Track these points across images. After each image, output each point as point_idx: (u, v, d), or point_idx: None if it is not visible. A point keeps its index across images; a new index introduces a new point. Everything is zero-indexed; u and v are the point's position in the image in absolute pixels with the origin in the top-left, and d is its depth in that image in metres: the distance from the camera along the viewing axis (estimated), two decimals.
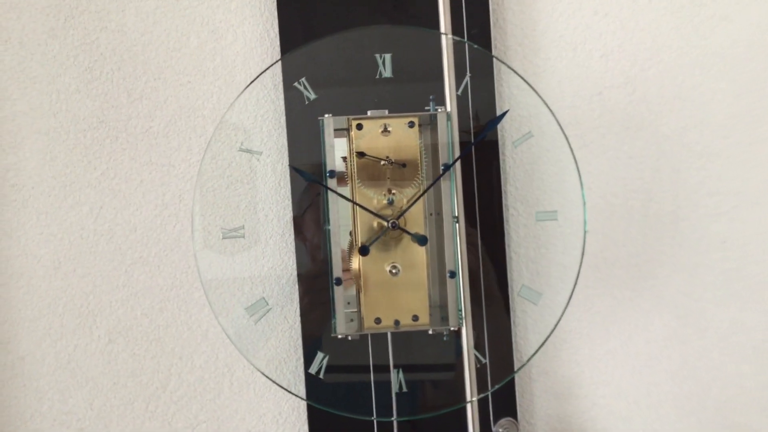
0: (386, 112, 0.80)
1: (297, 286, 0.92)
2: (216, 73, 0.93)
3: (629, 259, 0.97)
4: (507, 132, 0.93)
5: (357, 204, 0.78)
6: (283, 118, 0.91)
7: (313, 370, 0.82)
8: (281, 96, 0.91)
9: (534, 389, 0.98)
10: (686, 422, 1.01)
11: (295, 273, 0.92)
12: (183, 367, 0.94)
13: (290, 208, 0.92)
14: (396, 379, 0.82)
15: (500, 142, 0.93)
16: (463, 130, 0.85)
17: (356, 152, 0.79)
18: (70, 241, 0.91)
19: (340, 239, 0.80)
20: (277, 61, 0.88)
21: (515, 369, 0.90)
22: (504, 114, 0.75)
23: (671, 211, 0.98)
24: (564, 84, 0.97)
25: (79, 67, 0.91)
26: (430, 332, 0.83)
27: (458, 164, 0.82)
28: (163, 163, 0.91)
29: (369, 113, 0.80)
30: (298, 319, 0.92)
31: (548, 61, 0.97)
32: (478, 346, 0.85)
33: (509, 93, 0.94)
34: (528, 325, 0.97)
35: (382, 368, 0.84)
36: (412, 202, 0.79)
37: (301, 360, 0.92)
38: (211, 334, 0.95)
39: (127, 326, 0.92)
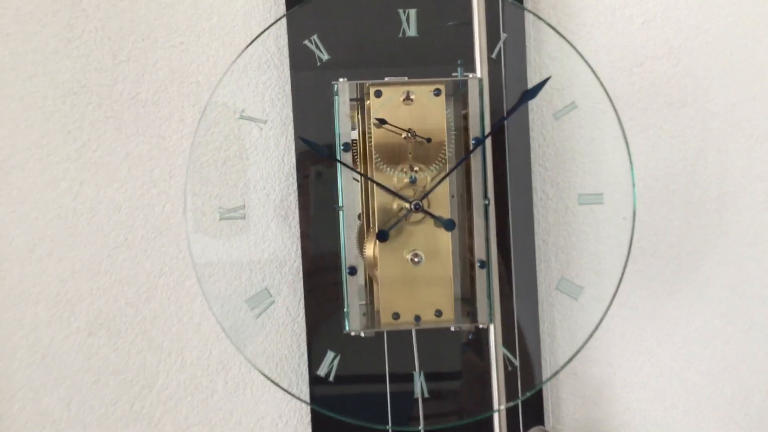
0: (405, 78, 0.69)
1: (301, 275, 0.81)
2: (213, 33, 0.82)
3: (669, 250, 0.88)
4: (544, 102, 0.83)
5: (376, 182, 0.68)
6: (288, 86, 0.80)
7: (321, 371, 0.72)
8: (286, 60, 0.81)
9: (561, 392, 0.89)
10: (727, 429, 0.92)
11: (299, 260, 0.82)
12: (172, 363, 0.84)
13: (295, 185, 0.81)
14: (419, 383, 0.72)
15: (531, 116, 0.82)
16: (496, 100, 0.75)
17: (376, 119, 0.68)
18: (45, 221, 0.81)
19: (354, 222, 0.70)
20: (283, 17, 0.77)
21: (545, 372, 0.80)
22: (545, 81, 0.65)
23: (717, 197, 0.88)
24: (601, 53, 0.87)
25: (58, 24, 0.81)
26: (452, 329, 0.73)
27: (489, 139, 0.71)
28: (152, 134, 0.81)
29: (386, 79, 0.69)
30: (302, 311, 0.82)
31: (584, 27, 0.87)
32: (507, 346, 0.75)
33: (548, 57, 0.83)
34: (557, 321, 0.87)
35: (400, 371, 0.74)
36: (439, 180, 0.68)
37: (305, 357, 0.82)
38: (205, 328, 0.85)
39: (109, 317, 0.82)
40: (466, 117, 0.72)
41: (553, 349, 0.88)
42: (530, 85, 0.78)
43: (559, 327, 0.88)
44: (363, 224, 0.74)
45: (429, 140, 0.70)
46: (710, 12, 0.89)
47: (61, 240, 0.85)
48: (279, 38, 0.84)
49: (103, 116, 0.83)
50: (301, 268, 0.82)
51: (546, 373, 0.82)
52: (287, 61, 0.81)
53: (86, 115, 0.83)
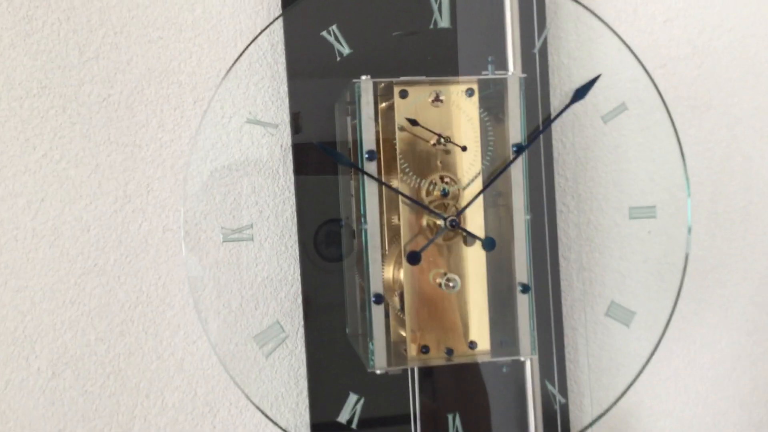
0: (434, 77, 0.61)
1: (300, 301, 0.71)
2: (196, 27, 0.72)
3: (694, 264, 0.82)
4: (588, 103, 0.75)
5: (406, 196, 0.59)
6: (284, 86, 0.70)
7: (343, 417, 0.62)
8: (281, 58, 0.71)
9: (585, 422, 0.80)
10: None
11: (297, 284, 0.72)
12: (150, 407, 0.73)
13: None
14: (452, 427, 0.62)
15: (561, 120, 0.74)
16: (530, 101, 0.67)
17: (406, 119, 0.59)
18: (0, 244, 0.68)
19: (379, 242, 0.60)
20: (295, 3, 0.66)
21: (587, 408, 0.72)
22: (595, 80, 0.57)
23: (742, 207, 0.83)
24: (623, 52, 0.79)
25: (14, 15, 0.69)
26: (484, 362, 0.64)
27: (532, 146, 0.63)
28: (126, 142, 0.72)
29: (405, 78, 0.60)
30: (301, 344, 0.72)
31: (616, 20, 0.80)
32: (549, 378, 0.67)
33: (588, 53, 0.76)
34: (603, 349, 0.79)
35: (431, 412, 0.64)
36: (477, 193, 0.60)
37: (304, 394, 0.72)
38: (188, 364, 0.74)
39: (76, 355, 0.72)
40: (501, 120, 0.63)
41: (593, 381, 0.80)
42: (572, 84, 0.69)
43: (604, 356, 0.81)
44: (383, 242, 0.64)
45: (465, 148, 0.61)
46: (734, 10, 0.84)
47: (18, 266, 0.72)
48: (273, 33, 0.74)
49: (68, 122, 0.72)
50: (300, 293, 0.72)
51: (592, 409, 0.74)
52: (282, 60, 0.71)
53: (48, 121, 0.72)
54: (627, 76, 0.73)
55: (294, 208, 0.73)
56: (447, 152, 0.63)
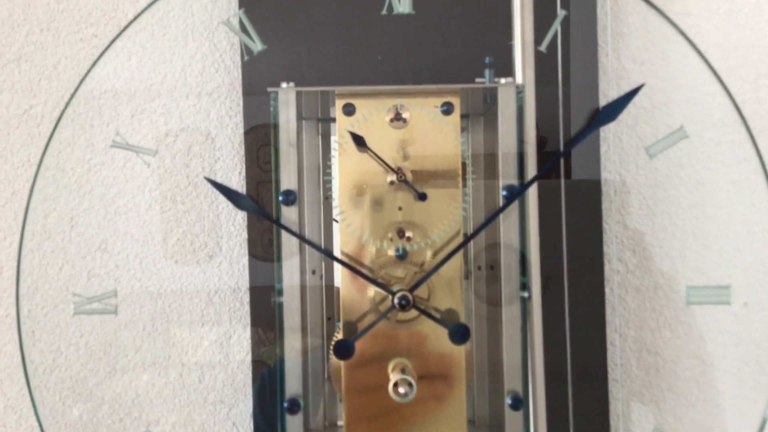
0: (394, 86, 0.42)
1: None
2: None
3: None
4: (628, 127, 0.54)
5: (337, 259, 0.40)
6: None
7: None
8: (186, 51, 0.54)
9: None
10: None
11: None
12: None
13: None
14: None
15: (603, 146, 0.53)
16: (545, 121, 0.46)
17: (350, 134, 0.40)
18: None
19: (299, 321, 0.42)
20: None
21: None
22: (636, 91, 0.36)
23: None
24: (713, 55, 0.57)
25: None
26: None
27: (534, 186, 0.42)
28: (48, 164, 0.60)
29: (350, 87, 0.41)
30: None
31: (687, 17, 0.61)
32: None
33: (631, 59, 0.54)
34: None
35: None
36: (443, 260, 0.40)
37: None
38: None
39: None
40: (494, 149, 0.43)
41: None
42: (603, 95, 0.49)
43: None
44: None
45: (423, 196, 0.41)
46: None
47: None
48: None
49: None
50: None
51: None
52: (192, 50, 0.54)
53: None
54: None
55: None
56: (412, 193, 0.44)
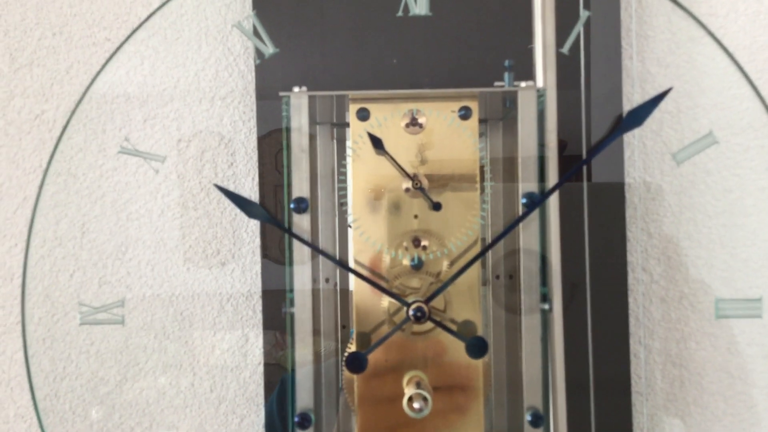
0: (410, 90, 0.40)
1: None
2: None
3: None
4: (653, 132, 0.52)
5: (351, 270, 0.39)
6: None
7: None
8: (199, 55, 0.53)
9: None
10: None
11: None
12: None
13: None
14: None
15: (627, 151, 0.51)
16: (567, 126, 0.44)
17: (369, 135, 0.39)
18: None
19: (308, 335, 0.40)
20: None
21: None
22: (662, 96, 0.34)
23: None
24: (741, 56, 0.55)
25: None
26: None
27: (555, 194, 0.41)
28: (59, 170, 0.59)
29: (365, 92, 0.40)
30: None
31: (714, 19, 0.59)
32: None
33: (657, 62, 0.52)
34: None
35: None
36: (461, 270, 0.38)
37: None
38: None
39: None
40: (514, 154, 0.41)
41: None
42: (627, 99, 0.47)
43: None
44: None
45: (438, 206, 0.40)
46: None
47: None
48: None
49: None
50: None
51: None
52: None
53: None
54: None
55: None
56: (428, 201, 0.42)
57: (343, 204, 0.44)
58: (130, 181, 0.58)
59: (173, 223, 0.58)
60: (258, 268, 0.57)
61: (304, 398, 0.41)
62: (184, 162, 0.58)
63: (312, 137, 0.45)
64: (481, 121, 0.46)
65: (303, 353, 0.40)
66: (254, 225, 0.58)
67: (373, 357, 0.41)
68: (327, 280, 0.47)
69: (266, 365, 0.56)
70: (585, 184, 0.47)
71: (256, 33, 0.44)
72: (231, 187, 0.58)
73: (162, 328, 0.57)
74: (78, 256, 0.59)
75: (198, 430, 0.58)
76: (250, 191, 0.59)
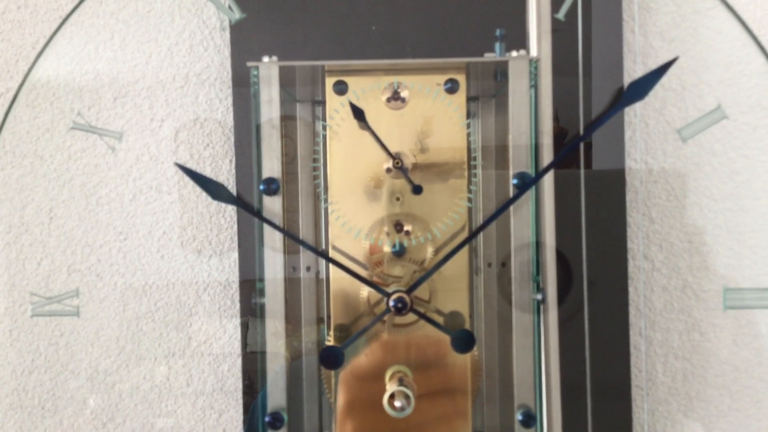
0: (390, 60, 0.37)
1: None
2: None
3: None
4: (655, 111, 0.49)
5: (327, 258, 0.35)
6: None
7: None
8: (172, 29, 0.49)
9: None
10: None
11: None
12: None
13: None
14: None
15: (628, 132, 0.48)
16: (563, 101, 0.41)
17: (351, 106, 0.36)
18: None
19: (283, 325, 0.37)
20: None
21: None
22: (668, 66, 0.30)
23: None
24: (762, 28, 0.51)
25: None
26: None
27: (550, 175, 0.38)
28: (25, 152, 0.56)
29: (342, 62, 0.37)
30: None
31: None
32: None
33: (660, 36, 0.49)
34: None
35: None
36: (446, 258, 0.35)
37: None
38: None
39: None
40: (504, 132, 0.38)
41: None
42: (628, 75, 0.43)
43: None
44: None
45: (418, 189, 0.37)
46: None
47: None
48: None
49: None
50: None
51: None
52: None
53: None
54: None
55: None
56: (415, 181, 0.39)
57: (318, 186, 0.41)
58: (100, 163, 0.55)
59: (146, 208, 0.54)
60: (236, 255, 0.54)
61: (276, 397, 0.37)
62: (157, 143, 0.54)
63: (292, 117, 0.42)
64: (472, 99, 0.43)
65: (275, 348, 0.37)
66: (232, 210, 0.55)
67: (353, 351, 0.38)
68: (308, 269, 0.44)
69: (245, 357, 0.53)
70: (582, 166, 0.43)
71: None
72: (207, 170, 0.55)
73: (135, 318, 0.54)
74: (46, 243, 0.56)
75: (174, 427, 0.55)
76: (228, 174, 0.55)
